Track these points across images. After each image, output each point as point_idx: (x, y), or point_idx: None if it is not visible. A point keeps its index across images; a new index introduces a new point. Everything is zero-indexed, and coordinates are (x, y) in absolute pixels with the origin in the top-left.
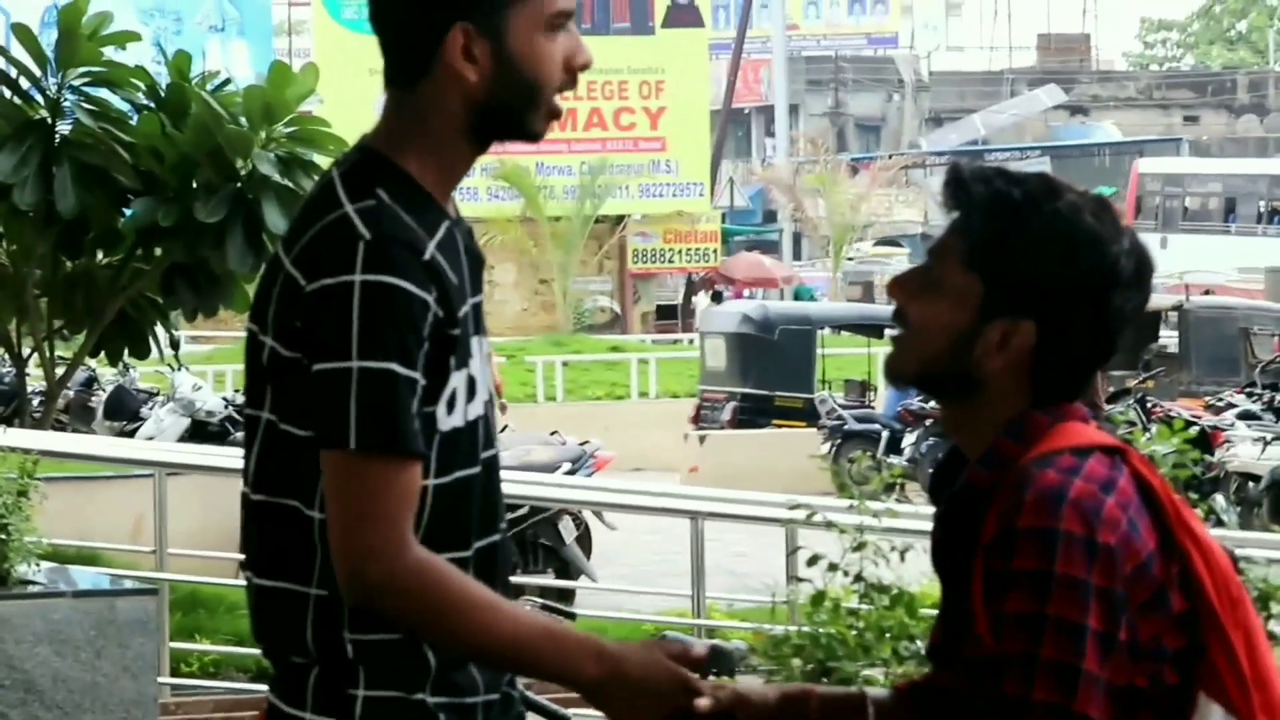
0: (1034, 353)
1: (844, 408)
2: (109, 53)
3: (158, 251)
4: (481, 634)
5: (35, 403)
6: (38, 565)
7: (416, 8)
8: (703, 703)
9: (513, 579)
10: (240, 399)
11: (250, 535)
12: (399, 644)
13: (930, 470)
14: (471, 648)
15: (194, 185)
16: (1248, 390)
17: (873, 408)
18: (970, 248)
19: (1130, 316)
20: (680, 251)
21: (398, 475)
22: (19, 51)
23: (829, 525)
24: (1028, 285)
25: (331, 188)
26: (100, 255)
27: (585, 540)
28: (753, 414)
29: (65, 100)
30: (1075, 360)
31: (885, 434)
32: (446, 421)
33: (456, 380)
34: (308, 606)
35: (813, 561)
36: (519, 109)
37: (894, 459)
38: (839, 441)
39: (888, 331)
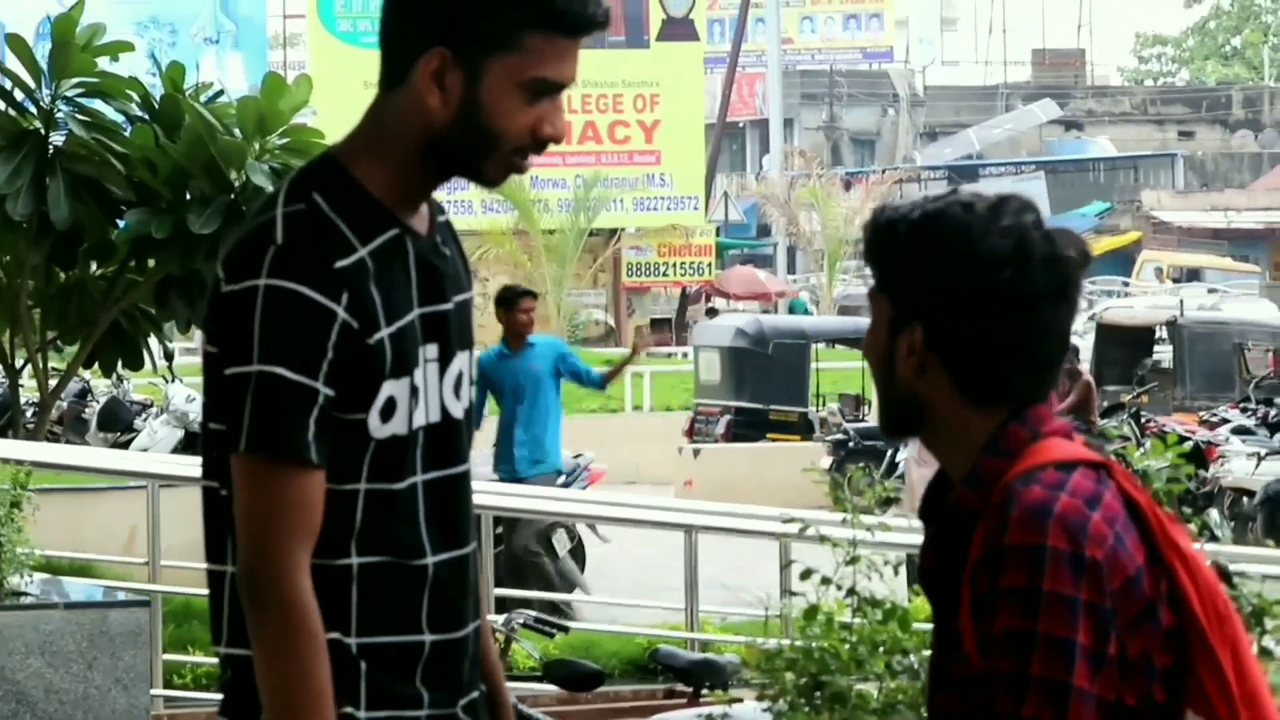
0: (938, 354)
1: (849, 422)
2: (103, 64)
3: (151, 263)
4: (288, 688)
5: (29, 414)
6: (30, 577)
7: (410, 16)
8: None
9: (506, 592)
10: None
11: (205, 524)
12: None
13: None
14: (275, 692)
15: (187, 196)
16: (1242, 405)
17: (868, 421)
18: (875, 274)
19: (1025, 294)
20: (674, 265)
21: (288, 481)
22: (13, 62)
23: (822, 539)
24: (906, 290)
25: (278, 191)
26: (94, 266)
27: (579, 553)
28: (747, 428)
29: (59, 111)
30: (978, 350)
31: (889, 451)
32: (382, 429)
33: (393, 388)
34: (224, 587)
35: (806, 575)
36: (473, 153)
37: (889, 482)
38: (842, 456)
39: None
